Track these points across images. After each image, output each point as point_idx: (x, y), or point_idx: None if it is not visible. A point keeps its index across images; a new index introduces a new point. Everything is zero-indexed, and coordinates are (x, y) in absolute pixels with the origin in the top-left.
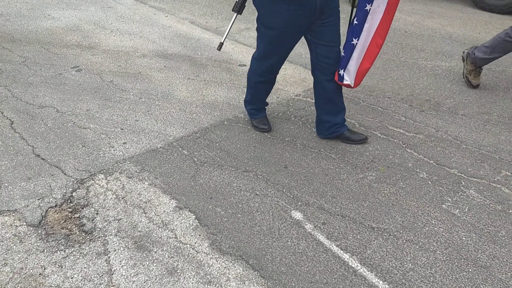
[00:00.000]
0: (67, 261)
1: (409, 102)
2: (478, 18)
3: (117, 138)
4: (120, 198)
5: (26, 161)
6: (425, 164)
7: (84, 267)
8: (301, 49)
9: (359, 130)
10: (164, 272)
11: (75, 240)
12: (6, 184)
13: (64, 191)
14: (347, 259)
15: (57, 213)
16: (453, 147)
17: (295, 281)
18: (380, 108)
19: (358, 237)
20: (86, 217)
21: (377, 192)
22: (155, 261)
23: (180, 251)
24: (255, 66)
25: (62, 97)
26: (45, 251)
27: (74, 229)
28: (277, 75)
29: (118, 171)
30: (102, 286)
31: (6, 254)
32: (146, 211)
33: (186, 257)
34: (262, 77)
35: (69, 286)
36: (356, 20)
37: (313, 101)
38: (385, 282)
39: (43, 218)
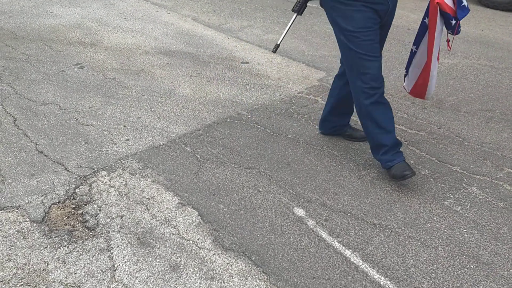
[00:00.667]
0: (70, 257)
1: (411, 99)
2: (481, 15)
3: (119, 135)
4: (123, 195)
5: (29, 158)
6: (427, 161)
7: (87, 263)
8: (303, 47)
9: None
10: (167, 268)
11: (78, 236)
12: (9, 181)
13: (67, 187)
14: (349, 255)
15: (60, 210)
16: (455, 144)
17: (297, 277)
18: None
19: (360, 233)
20: (89, 213)
21: (379, 189)
22: (158, 257)
23: (183, 247)
24: (357, 84)
25: (65, 94)
26: (48, 247)
27: (77, 225)
28: (281, 73)
29: (121, 168)
30: (105, 282)
31: (9, 250)
32: (149, 208)
33: (189, 253)
34: (371, 96)
35: (72, 281)
36: (418, 29)
37: (316, 98)
38: (386, 278)
39: (46, 214)
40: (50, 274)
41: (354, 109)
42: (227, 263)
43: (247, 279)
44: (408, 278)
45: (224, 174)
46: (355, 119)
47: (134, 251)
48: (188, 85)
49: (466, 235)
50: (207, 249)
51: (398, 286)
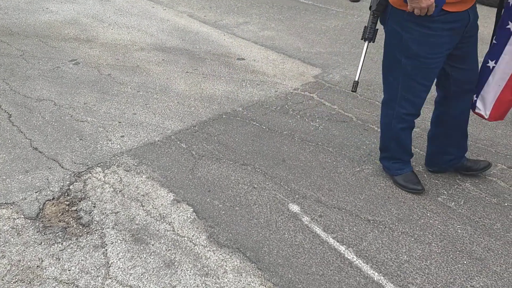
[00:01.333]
0: (64, 253)
1: None
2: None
3: (114, 132)
4: (118, 191)
5: (24, 154)
6: (421, 158)
7: (82, 260)
8: (299, 43)
9: (356, 123)
10: (162, 265)
11: (72, 233)
12: (3, 177)
13: (62, 184)
14: (343, 251)
15: (54, 206)
16: None
17: (291, 273)
18: (377, 102)
19: (354, 229)
20: (83, 210)
21: (373, 185)
22: (152, 253)
23: (177, 244)
24: (396, 109)
25: (60, 91)
26: (43, 243)
27: (71, 222)
28: (276, 70)
29: (116, 164)
30: (99, 278)
31: (3, 246)
32: (143, 204)
33: (183, 249)
34: (406, 122)
35: (66, 278)
36: (495, 40)
37: (311, 95)
38: (380, 274)
39: (41, 211)
40: (44, 270)
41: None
42: (222, 260)
43: (241, 275)
44: (402, 273)
45: (220, 170)
46: (349, 116)
47: (129, 248)
48: (183, 81)
49: (459, 231)
50: (202, 245)
51: (391, 281)
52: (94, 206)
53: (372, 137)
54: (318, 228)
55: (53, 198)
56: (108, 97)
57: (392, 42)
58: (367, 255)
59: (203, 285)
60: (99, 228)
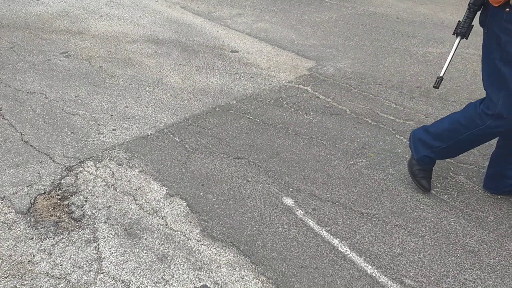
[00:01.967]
0: (56, 248)
1: (399, 88)
2: None
3: (106, 125)
4: (110, 185)
5: (15, 148)
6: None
7: (73, 255)
8: (293, 36)
9: (350, 116)
10: (155, 259)
11: (64, 228)
12: None
13: (53, 178)
14: (337, 244)
15: (45, 200)
16: None
17: (285, 267)
18: (371, 95)
19: (348, 222)
20: (75, 204)
21: (367, 178)
22: (145, 248)
23: (170, 238)
24: (488, 124)
25: (51, 83)
26: (34, 238)
27: (63, 216)
28: (270, 63)
29: (108, 158)
30: (91, 273)
31: None
32: (136, 198)
33: (176, 244)
34: (491, 136)
35: (58, 273)
36: None
37: (305, 88)
38: (373, 267)
39: (32, 205)
40: (36, 265)
41: None
42: (216, 254)
43: (235, 269)
44: (395, 266)
45: (213, 164)
46: (343, 109)
47: (121, 242)
48: (176, 74)
49: (452, 223)
50: (195, 239)
51: (385, 274)
52: (86, 201)
53: (365, 130)
54: (312, 222)
55: (44, 193)
56: (100, 90)
57: (490, 47)
58: (360, 248)
59: (197, 279)
60: (91, 222)
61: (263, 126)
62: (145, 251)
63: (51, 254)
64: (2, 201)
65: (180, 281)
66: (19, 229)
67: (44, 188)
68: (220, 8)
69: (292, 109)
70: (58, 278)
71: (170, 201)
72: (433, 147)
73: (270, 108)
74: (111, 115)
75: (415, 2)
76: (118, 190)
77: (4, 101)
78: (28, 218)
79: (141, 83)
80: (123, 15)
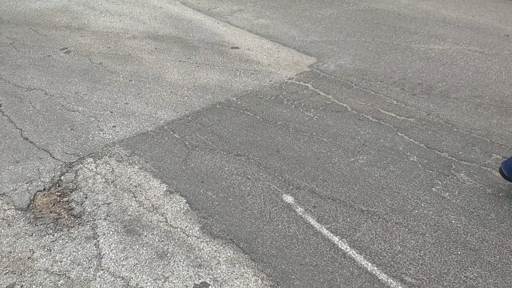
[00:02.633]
0: (55, 245)
1: (401, 85)
2: (472, 1)
3: (106, 121)
4: (110, 182)
5: (14, 144)
6: (415, 148)
7: (73, 251)
8: (294, 32)
9: (351, 113)
10: (154, 256)
11: (63, 224)
12: None
13: (53, 174)
14: (337, 241)
15: (45, 197)
16: (444, 130)
17: (285, 264)
18: (372, 92)
19: (348, 220)
20: (74, 201)
21: (367, 176)
22: (145, 245)
23: (170, 235)
24: None
25: (51, 80)
26: (34, 234)
27: (62, 213)
28: (271, 59)
29: (108, 155)
30: (91, 270)
31: None
32: (136, 195)
33: (176, 240)
34: None
35: (58, 269)
36: None
37: (306, 84)
38: (373, 265)
39: (32, 202)
40: (36, 262)
41: None
42: (215, 251)
43: (235, 266)
44: (395, 264)
45: (213, 161)
46: (344, 106)
47: (121, 239)
48: (176, 70)
49: (453, 221)
50: (195, 236)
51: (385, 272)
52: (86, 197)
53: (366, 127)
54: (312, 219)
55: (44, 189)
56: (100, 86)
57: None
58: (360, 245)
59: (196, 276)
60: (91, 219)
61: (263, 123)
62: (144, 248)
63: (50, 251)
64: (1, 198)
65: (180, 278)
66: (18, 225)
67: (43, 185)
68: (220, 4)
69: (293, 106)
70: (58, 274)
71: (170, 198)
72: None
73: (271, 105)
74: (111, 112)
75: None
76: (118, 187)
77: (3, 97)
78: (28, 215)
79: (141, 79)
80: (123, 11)
